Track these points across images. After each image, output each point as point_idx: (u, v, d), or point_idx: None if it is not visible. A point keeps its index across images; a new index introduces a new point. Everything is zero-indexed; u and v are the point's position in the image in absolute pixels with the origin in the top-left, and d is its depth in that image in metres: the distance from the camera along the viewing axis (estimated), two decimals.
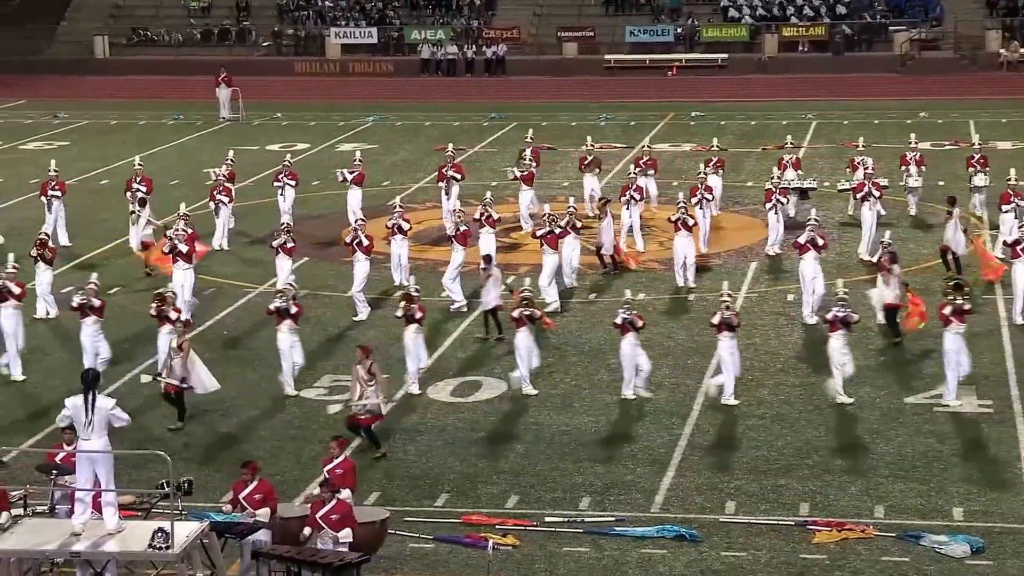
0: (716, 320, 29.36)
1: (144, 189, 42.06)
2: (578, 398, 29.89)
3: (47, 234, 36.86)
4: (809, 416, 28.67)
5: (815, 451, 26.97)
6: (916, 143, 45.67)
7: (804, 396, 29.62)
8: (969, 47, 78.25)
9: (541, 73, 78.75)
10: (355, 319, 35.07)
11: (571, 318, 35.17)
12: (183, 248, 34.46)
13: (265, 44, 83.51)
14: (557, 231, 36.29)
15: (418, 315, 29.91)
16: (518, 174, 43.42)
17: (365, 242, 35.29)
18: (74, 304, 31.07)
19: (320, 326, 34.69)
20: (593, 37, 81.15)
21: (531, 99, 71.31)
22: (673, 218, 37.23)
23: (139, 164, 44.03)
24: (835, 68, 76.69)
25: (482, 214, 37.30)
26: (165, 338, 29.79)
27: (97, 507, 19.83)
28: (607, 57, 79.76)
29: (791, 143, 46.91)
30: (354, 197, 42.79)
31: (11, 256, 32.92)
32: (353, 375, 27.08)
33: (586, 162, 45.35)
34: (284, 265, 35.94)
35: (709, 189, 41.12)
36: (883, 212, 41.70)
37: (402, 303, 30.18)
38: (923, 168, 44.32)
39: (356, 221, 36.53)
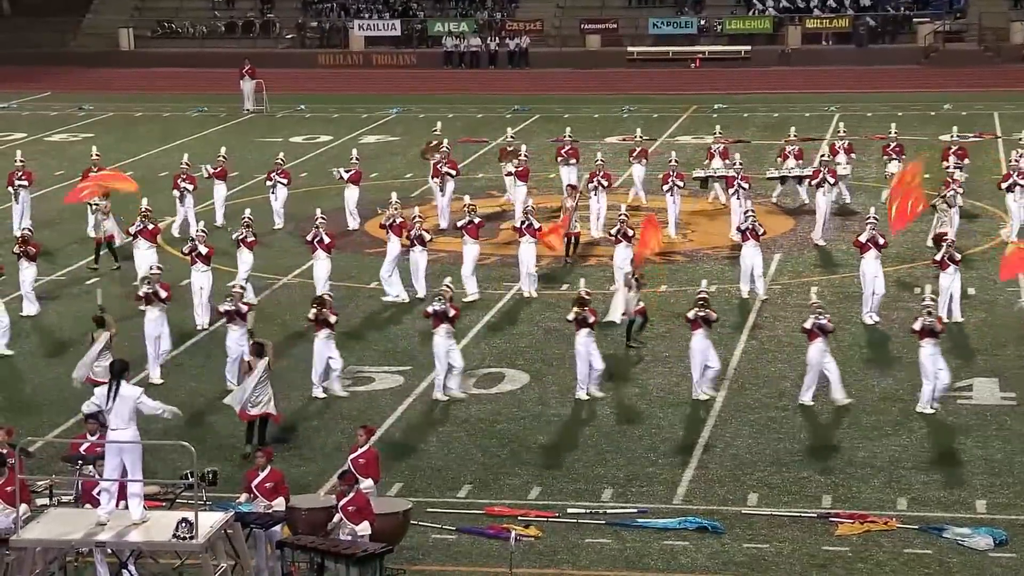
0: (918, 326, 28.09)
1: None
2: (600, 389, 29.86)
3: (30, 231, 36.61)
4: (832, 408, 28.64)
5: (838, 443, 26.96)
6: (844, 132, 46.65)
7: (827, 388, 29.57)
8: (993, 39, 78.03)
9: (564, 65, 78.77)
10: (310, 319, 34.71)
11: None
12: (203, 250, 33.84)
13: (289, 36, 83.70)
14: (477, 221, 36.33)
15: (591, 319, 29.23)
16: (514, 170, 43.39)
17: (326, 240, 34.86)
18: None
19: (342, 317, 34.72)
20: (616, 29, 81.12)
21: (554, 91, 71.33)
22: (742, 227, 35.80)
23: (96, 154, 44.39)
24: (858, 60, 76.56)
25: (523, 222, 36.44)
26: (323, 343, 29.23)
27: (123, 497, 19.91)
28: (630, 49, 79.72)
29: (719, 133, 47.68)
30: (351, 196, 42.71)
31: (154, 258, 32.62)
32: (242, 367, 27.00)
33: (507, 152, 45.63)
34: (245, 259, 35.57)
35: (681, 177, 41.83)
36: (848, 199, 44.14)
37: (575, 308, 29.39)
38: (852, 156, 45.07)
39: (317, 220, 35.51)
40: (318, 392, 29.49)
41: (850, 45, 78.75)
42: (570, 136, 47.05)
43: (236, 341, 29.72)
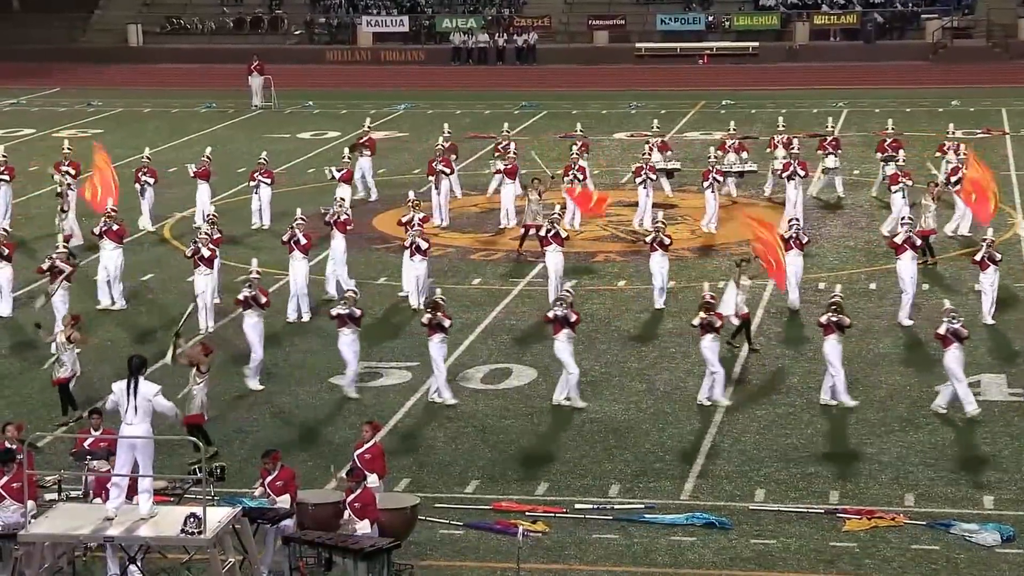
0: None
1: (72, 172, 42.25)
2: (608, 386, 29.92)
3: (6, 230, 36.15)
4: (839, 405, 28.60)
5: (845, 439, 26.97)
6: (783, 126, 47.20)
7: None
8: (1001, 35, 78.00)
9: (572, 61, 78.80)
10: (288, 320, 34.04)
11: (600, 305, 35.22)
12: (205, 253, 33.32)
13: (297, 32, 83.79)
14: (420, 216, 36.04)
15: (717, 324, 28.59)
16: (502, 168, 43.40)
17: (303, 240, 34.11)
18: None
19: None
20: (624, 25, 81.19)
21: (562, 87, 71.38)
22: (786, 236, 34.02)
23: (68, 148, 44.35)
24: (867, 56, 76.54)
25: (548, 231, 35.34)
26: (437, 347, 28.69)
27: (133, 492, 19.93)
28: (638, 45, 79.78)
29: (656, 127, 48.77)
30: (344, 194, 42.45)
31: (254, 261, 31.93)
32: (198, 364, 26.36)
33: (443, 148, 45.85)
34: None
35: (653, 170, 42.45)
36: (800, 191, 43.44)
37: (700, 312, 28.61)
38: (791, 150, 44.98)
39: (295, 220, 34.71)
40: (436, 397, 29.06)
41: (858, 41, 78.74)
42: (507, 132, 47.48)
43: (348, 346, 29.18)
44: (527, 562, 21.91)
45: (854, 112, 60.79)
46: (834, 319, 28.22)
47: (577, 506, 24.20)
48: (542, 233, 35.52)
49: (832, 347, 28.26)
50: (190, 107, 66.70)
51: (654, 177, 42.38)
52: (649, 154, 44.92)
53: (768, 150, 46.13)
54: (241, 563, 20.32)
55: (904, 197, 40.06)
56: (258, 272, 31.20)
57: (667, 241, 34.83)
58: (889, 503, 24.17)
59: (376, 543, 20.79)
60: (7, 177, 42.96)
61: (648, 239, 35.20)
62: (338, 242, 35.80)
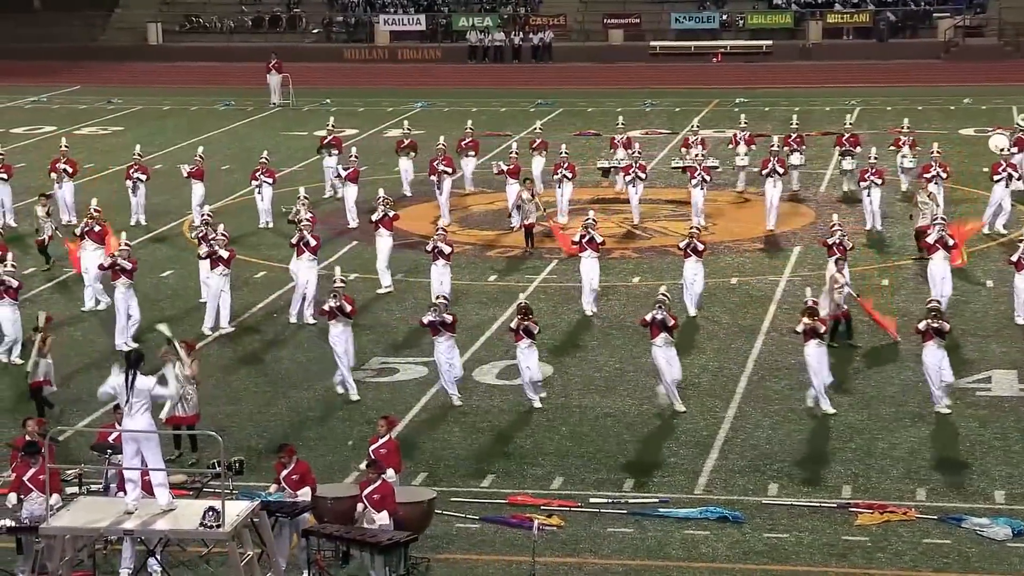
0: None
1: (70, 170, 42.37)
2: (622, 381, 30.09)
3: (1, 232, 36.12)
4: (851, 399, 28.81)
5: (857, 434, 27.13)
6: (744, 123, 48.05)
7: (846, 379, 29.72)
8: (1013, 34, 77.96)
9: (587, 60, 78.91)
10: (291, 321, 33.99)
11: (615, 301, 35.41)
12: (224, 254, 33.20)
13: (315, 31, 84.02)
14: (392, 215, 36.16)
15: (821, 329, 28.01)
16: (504, 168, 43.54)
17: (312, 242, 33.83)
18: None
19: (369, 309, 34.99)
20: (639, 24, 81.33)
21: (577, 85, 71.49)
22: (830, 241, 33.28)
23: (65, 146, 44.69)
24: (879, 55, 76.57)
25: (583, 236, 34.59)
26: (524, 353, 28.44)
27: (146, 486, 20.10)
28: (652, 44, 79.91)
29: (621, 124, 48.55)
30: (350, 193, 42.69)
31: (338, 270, 31.39)
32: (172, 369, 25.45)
33: (402, 145, 46.19)
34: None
35: (643, 168, 43.06)
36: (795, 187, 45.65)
37: (804, 318, 27.95)
38: (752, 147, 46.00)
39: (301, 222, 34.52)
40: (535, 402, 28.91)
41: (871, 40, 78.77)
42: (471, 128, 47.84)
43: (444, 353, 28.84)
44: (542, 555, 22.07)
45: (866, 110, 60.86)
46: (934, 325, 27.65)
47: (592, 500, 24.39)
48: (575, 239, 34.97)
49: (932, 354, 27.72)
50: (209, 105, 66.99)
51: (643, 176, 42.74)
52: (613, 151, 45.42)
53: (730, 146, 46.79)
54: (259, 556, 20.52)
55: (869, 195, 40.83)
56: (343, 280, 30.72)
57: (700, 247, 34.22)
58: (901, 497, 24.31)
59: (393, 537, 21.00)
60: (5, 175, 43.09)
61: (682, 244, 34.49)
62: None
